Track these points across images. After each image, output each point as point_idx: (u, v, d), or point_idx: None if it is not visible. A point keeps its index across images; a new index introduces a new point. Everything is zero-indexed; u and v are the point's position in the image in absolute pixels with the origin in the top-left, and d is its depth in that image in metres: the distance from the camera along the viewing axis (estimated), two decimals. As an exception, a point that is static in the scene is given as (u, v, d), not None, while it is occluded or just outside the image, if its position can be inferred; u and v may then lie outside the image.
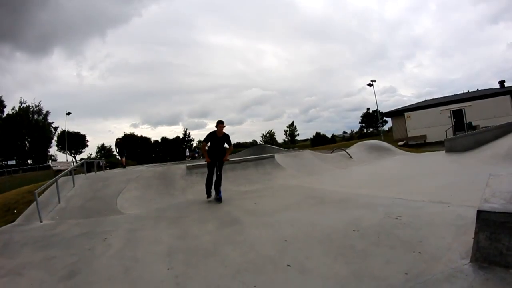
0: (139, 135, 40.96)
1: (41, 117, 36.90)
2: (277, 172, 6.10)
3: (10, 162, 31.82)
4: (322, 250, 2.04)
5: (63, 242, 2.78)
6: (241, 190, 4.93)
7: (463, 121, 17.36)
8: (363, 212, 2.92)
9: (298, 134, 44.01)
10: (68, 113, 25.30)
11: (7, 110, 33.87)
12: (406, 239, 2.09)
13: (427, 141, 17.54)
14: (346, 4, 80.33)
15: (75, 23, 55.59)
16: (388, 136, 23.96)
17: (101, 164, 9.50)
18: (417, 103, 26.58)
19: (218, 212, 3.48)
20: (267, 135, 43.74)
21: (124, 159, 10.45)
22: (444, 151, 8.81)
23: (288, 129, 43.79)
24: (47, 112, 37.15)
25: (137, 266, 2.08)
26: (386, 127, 33.77)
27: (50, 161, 32.65)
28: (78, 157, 37.97)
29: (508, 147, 6.22)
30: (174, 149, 37.74)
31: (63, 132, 30.22)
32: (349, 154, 9.26)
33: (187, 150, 28.76)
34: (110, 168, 11.25)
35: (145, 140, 40.13)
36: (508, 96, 16.92)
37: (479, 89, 26.87)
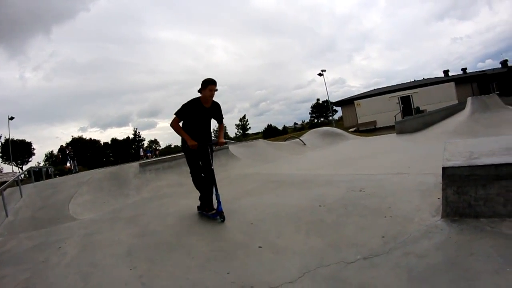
0: (87, 138, 43.28)
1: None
2: (232, 162, 6.60)
3: None
4: (292, 228, 2.16)
5: (14, 259, 2.85)
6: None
7: (411, 107, 20.57)
8: (325, 189, 3.12)
9: (250, 128, 47.30)
10: (11, 118, 25.27)
11: None
12: (375, 207, 2.27)
13: (377, 126, 20.27)
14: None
15: (17, 19, 54.44)
16: (339, 125, 26.38)
17: (49, 172, 9.93)
18: (366, 92, 30.17)
19: (176, 206, 3.65)
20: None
21: (69, 165, 11.27)
22: (395, 134, 10.20)
23: (240, 123, 46.50)
24: (-14, 119, 36.35)
25: (97, 271, 2.14)
26: (336, 116, 37.49)
27: (-6, 173, 32.35)
28: (25, 167, 36.57)
29: (456, 125, 7.54)
30: (125, 151, 40.78)
31: (6, 140, 30.72)
32: (302, 141, 10.03)
33: (141, 149, 30.00)
34: (59, 176, 11.98)
35: (94, 143, 42.66)
36: (452, 83, 20.75)
37: (425, 78, 31.89)
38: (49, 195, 5.14)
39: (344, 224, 2.08)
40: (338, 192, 2.86)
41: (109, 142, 42.84)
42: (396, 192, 2.59)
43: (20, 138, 37.30)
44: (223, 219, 2.58)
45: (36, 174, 8.45)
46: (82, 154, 33.60)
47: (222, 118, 3.02)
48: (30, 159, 38.64)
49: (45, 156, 40.60)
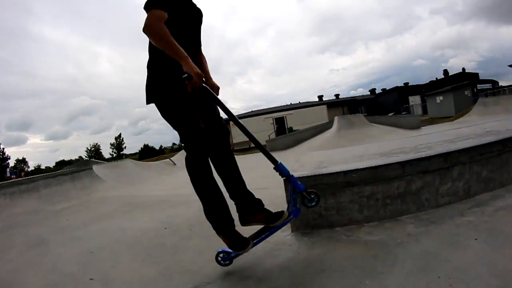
0: None
1: None
2: (96, 185, 6.80)
3: None
4: (131, 255, 2.24)
5: None
6: (55, 208, 5.20)
7: (285, 127, 25.03)
8: (179, 209, 3.41)
9: (125, 147, 49.05)
10: None
11: None
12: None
13: (251, 146, 22.87)
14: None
15: None
16: None
17: None
18: (244, 113, 33.87)
19: (24, 236, 3.60)
20: (92, 149, 48.50)
21: None
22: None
23: (115, 142, 48.33)
24: None
25: None
26: None
27: None
28: None
29: (323, 140, 9.29)
30: (-19, 172, 33.14)
31: None
32: (172, 161, 11.17)
33: (7, 170, 29.40)
34: None
35: None
36: (325, 106, 27.12)
37: (301, 102, 39.27)
38: None
39: (184, 247, 2.14)
40: (189, 212, 3.08)
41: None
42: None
43: None
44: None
45: None
46: None
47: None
48: None
49: None
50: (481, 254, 1.28)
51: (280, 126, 25.45)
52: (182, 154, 12.35)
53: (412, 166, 1.81)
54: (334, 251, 1.52)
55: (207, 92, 1.51)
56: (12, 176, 20.52)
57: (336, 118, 12.13)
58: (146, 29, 1.44)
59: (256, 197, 1.66)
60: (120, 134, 53.09)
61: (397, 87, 41.53)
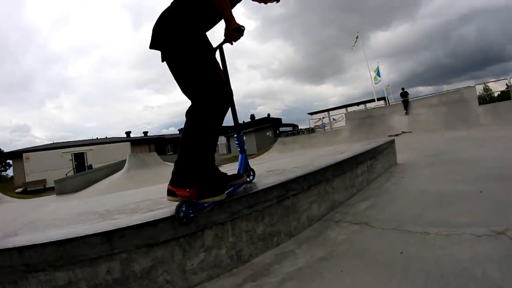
0: None
1: None
2: None
3: None
4: None
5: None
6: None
7: (85, 164, 25.77)
8: None
9: None
10: None
11: None
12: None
13: (47, 186, 21.96)
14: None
15: None
16: (10, 183, 25.75)
17: None
18: (42, 145, 31.50)
19: None
20: None
21: None
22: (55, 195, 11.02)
23: None
24: None
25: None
26: (11, 172, 34.85)
27: None
28: None
29: (109, 183, 9.82)
30: None
31: None
32: None
33: None
34: None
35: None
36: (128, 143, 28.23)
37: (108, 137, 39.35)
38: None
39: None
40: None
41: None
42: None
43: None
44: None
45: None
46: None
47: None
48: None
49: None
50: None
51: (80, 162, 26.22)
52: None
53: (124, 239, 1.37)
54: None
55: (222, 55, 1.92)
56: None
57: (128, 156, 12.55)
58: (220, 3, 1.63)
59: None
60: None
61: None
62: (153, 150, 38.75)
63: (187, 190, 1.59)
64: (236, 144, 2.24)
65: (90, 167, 24.75)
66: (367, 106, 29.10)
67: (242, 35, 1.81)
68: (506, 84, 15.70)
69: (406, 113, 17.32)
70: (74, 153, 26.52)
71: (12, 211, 8.55)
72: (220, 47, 1.95)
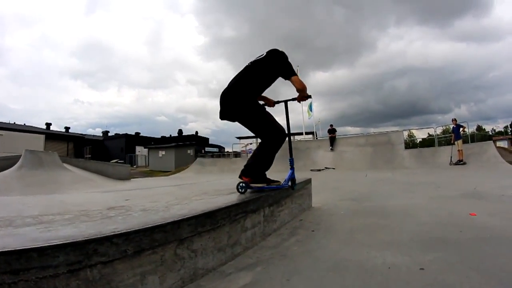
0: None
1: None
2: None
3: None
4: None
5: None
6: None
7: None
8: None
9: None
10: None
11: None
12: None
13: None
14: None
15: None
16: None
17: None
18: None
19: None
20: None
21: None
22: None
23: None
24: None
25: None
26: None
27: None
28: None
29: None
30: None
31: None
32: None
33: None
34: None
35: None
36: (43, 136, 27.08)
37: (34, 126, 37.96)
38: None
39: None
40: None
41: None
42: None
43: None
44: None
45: None
46: None
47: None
48: None
49: None
50: None
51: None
52: None
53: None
54: None
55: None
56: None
57: (24, 152, 12.10)
58: (300, 85, 3.35)
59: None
60: None
61: (126, 134, 49.89)
62: (71, 149, 38.52)
63: (247, 178, 3.29)
64: (290, 162, 3.85)
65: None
66: (295, 138, 31.55)
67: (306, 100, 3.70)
68: (428, 133, 17.78)
69: (332, 149, 18.83)
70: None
71: None
72: (286, 102, 3.80)
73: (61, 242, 1.50)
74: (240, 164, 21.43)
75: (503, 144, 28.58)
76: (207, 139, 54.57)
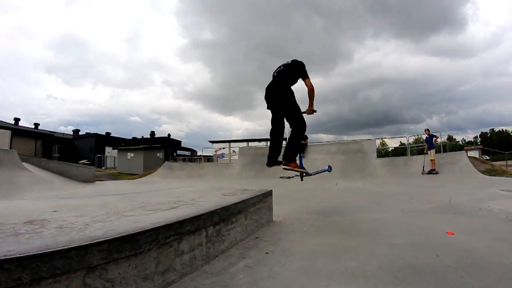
0: None
1: None
2: None
3: None
4: None
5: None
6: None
7: None
8: None
9: None
10: None
11: None
12: None
13: None
14: None
15: None
16: None
17: None
18: None
19: None
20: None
21: None
22: None
23: None
24: None
25: None
26: None
27: None
28: None
29: None
30: None
31: None
32: None
33: None
34: None
35: None
36: (9, 132, 26.01)
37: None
38: None
39: None
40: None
41: None
42: None
43: None
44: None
45: None
46: None
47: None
48: None
49: None
50: None
51: None
52: None
53: None
54: None
55: None
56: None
57: None
58: (310, 86, 4.55)
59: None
60: None
61: (96, 134, 48.91)
62: (39, 147, 38.35)
63: (292, 163, 4.58)
64: (301, 159, 5.31)
65: None
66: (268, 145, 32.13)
67: (313, 114, 4.79)
68: (400, 142, 18.07)
69: (303, 157, 18.20)
70: None
71: None
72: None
73: None
74: (209, 169, 21.89)
75: (474, 153, 29.65)
76: (180, 142, 55.05)
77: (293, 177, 15.84)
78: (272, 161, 4.70)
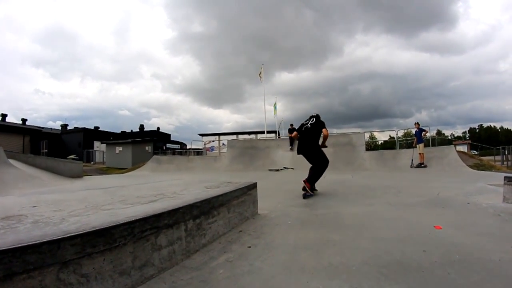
0: None
1: None
2: None
3: None
4: None
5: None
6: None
7: None
8: None
9: None
10: None
11: None
12: None
13: None
14: None
15: None
16: None
17: None
18: None
19: None
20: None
21: None
22: None
23: None
24: None
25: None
26: None
27: None
28: None
29: None
30: None
31: None
32: None
33: None
34: None
35: None
36: None
37: None
38: None
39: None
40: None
41: None
42: None
43: None
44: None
45: None
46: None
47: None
48: None
49: None
50: None
51: None
52: None
53: None
54: None
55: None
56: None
57: None
58: (326, 133, 6.44)
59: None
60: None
61: (84, 128, 48.67)
62: (27, 143, 38.17)
63: (308, 184, 6.15)
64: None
65: None
66: (258, 137, 31.96)
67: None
68: (389, 135, 18.13)
69: (291, 149, 18.93)
70: None
71: None
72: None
73: None
74: (198, 162, 21.86)
75: (463, 148, 30.11)
76: (169, 135, 54.67)
77: (281, 169, 16.00)
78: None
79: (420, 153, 14.50)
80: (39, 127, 48.82)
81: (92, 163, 37.70)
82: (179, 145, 41.91)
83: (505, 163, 18.84)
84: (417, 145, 14.75)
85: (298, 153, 6.66)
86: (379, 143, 34.33)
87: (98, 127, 52.93)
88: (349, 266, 2.28)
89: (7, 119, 45.16)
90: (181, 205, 2.63)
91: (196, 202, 2.84)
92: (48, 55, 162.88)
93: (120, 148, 32.99)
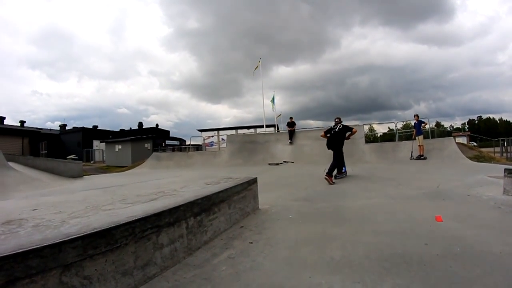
0: None
1: None
2: None
3: None
4: None
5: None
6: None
7: None
8: None
9: None
10: None
11: None
12: None
13: None
14: None
15: None
16: None
17: None
18: None
19: None
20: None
21: None
22: None
23: None
24: None
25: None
26: None
27: None
28: None
29: None
30: None
31: None
32: None
33: None
34: None
35: None
36: None
37: None
38: None
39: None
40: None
41: None
42: None
43: None
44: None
45: None
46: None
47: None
48: None
49: None
50: None
51: None
52: None
53: None
54: None
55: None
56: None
57: None
58: (355, 130, 8.95)
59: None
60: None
61: (83, 128, 48.61)
62: (26, 145, 38.14)
63: (330, 177, 7.58)
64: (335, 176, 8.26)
65: None
66: (257, 131, 31.82)
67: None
68: (389, 127, 18.06)
69: (291, 143, 18.85)
70: None
71: None
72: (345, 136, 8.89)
73: None
74: (198, 158, 21.86)
75: (462, 140, 30.08)
76: (168, 132, 54.57)
77: (281, 163, 15.97)
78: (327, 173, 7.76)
79: (419, 145, 14.46)
80: (38, 128, 48.80)
81: (92, 162, 37.59)
82: (179, 142, 41.87)
83: (504, 154, 18.83)
84: (417, 137, 14.71)
85: (328, 148, 8.75)
86: (379, 136, 34.36)
87: (97, 126, 52.80)
88: (351, 261, 2.29)
89: (5, 122, 45.02)
90: (181, 203, 2.64)
91: (197, 199, 2.84)
92: (45, 56, 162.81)
93: (120, 146, 32.86)
